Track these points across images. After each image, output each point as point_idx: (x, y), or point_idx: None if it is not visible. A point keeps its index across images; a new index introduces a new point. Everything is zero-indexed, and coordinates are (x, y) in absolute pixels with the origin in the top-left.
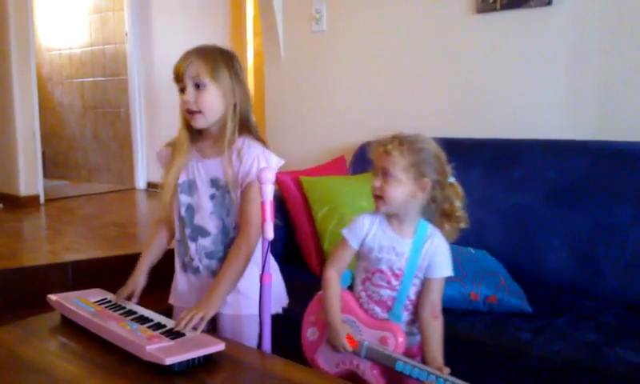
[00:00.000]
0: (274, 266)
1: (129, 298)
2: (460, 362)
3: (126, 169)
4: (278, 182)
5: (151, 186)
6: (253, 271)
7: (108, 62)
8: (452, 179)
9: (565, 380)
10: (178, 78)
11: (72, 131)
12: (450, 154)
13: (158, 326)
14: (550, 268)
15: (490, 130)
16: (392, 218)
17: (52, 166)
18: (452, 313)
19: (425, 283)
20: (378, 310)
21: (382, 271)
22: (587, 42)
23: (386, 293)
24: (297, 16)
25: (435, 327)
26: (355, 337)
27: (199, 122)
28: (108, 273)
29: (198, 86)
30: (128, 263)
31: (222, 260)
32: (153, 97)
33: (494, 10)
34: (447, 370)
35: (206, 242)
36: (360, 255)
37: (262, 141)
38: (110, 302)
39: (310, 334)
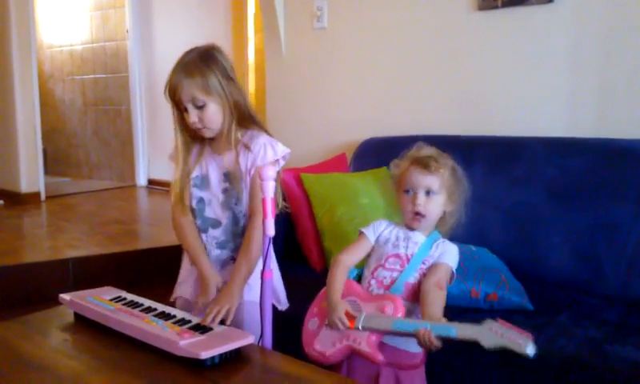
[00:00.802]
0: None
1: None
2: (460, 359)
3: (127, 166)
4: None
5: (152, 182)
6: None
7: (109, 58)
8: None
9: (566, 377)
10: (174, 101)
11: (73, 128)
12: (451, 151)
13: (183, 321)
14: (551, 265)
15: (490, 128)
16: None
17: (53, 162)
18: (453, 310)
19: (432, 266)
20: (383, 292)
21: (397, 255)
22: (588, 39)
23: (397, 275)
24: (298, 13)
25: (438, 294)
26: (354, 312)
27: (208, 134)
28: (109, 269)
29: (197, 105)
30: (128, 260)
31: (233, 250)
32: (154, 94)
33: (495, 7)
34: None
35: (216, 233)
36: (374, 249)
37: (266, 131)
38: (125, 299)
39: (310, 324)
